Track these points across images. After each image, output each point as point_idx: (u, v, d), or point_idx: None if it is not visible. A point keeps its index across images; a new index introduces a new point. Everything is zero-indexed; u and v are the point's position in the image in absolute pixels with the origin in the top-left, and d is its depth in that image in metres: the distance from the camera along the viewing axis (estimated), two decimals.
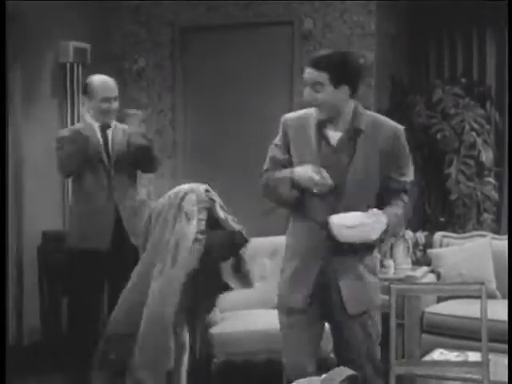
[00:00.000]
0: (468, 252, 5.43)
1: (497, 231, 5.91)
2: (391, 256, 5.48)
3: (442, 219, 5.99)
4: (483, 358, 3.54)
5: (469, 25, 6.33)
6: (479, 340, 4.65)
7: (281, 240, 3.63)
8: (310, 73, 3.19)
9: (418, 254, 5.54)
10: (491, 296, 5.19)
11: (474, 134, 5.94)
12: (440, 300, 5.37)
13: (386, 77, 6.29)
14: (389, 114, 6.09)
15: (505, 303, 4.83)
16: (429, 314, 5.15)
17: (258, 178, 3.39)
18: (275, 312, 3.42)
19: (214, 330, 4.79)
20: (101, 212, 4.60)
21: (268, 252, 5.31)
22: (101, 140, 4.70)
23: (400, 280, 5.20)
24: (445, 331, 5.03)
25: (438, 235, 5.68)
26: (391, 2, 6.25)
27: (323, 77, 3.15)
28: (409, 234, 5.53)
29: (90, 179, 4.65)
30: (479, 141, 5.94)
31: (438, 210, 6.06)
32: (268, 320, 4.48)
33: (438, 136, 5.90)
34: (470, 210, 5.94)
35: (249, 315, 5.01)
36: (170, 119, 6.79)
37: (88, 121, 4.73)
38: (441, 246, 5.64)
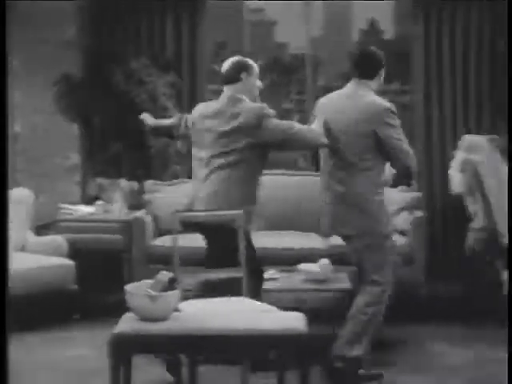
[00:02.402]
0: (176, 195, 6.54)
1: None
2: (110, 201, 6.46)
3: (141, 172, 7.01)
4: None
5: (153, 6, 7.39)
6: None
7: None
8: None
9: (134, 199, 6.57)
10: None
11: (164, 98, 7.05)
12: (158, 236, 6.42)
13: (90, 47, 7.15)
14: (88, 82, 7.03)
15: None
16: (153, 247, 6.20)
17: None
18: None
19: None
20: None
21: None
22: None
23: (126, 222, 6.21)
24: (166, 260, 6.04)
25: (148, 183, 6.73)
26: None
27: None
28: (123, 182, 6.54)
29: None
30: (169, 104, 7.07)
31: (136, 164, 7.06)
32: None
33: (137, 100, 6.91)
34: (164, 163, 7.06)
35: None
36: None
37: None
38: (151, 192, 6.69)
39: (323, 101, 5.01)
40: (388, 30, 11.41)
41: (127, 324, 3.82)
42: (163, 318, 3.83)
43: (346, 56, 11.05)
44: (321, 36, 8.86)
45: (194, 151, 4.84)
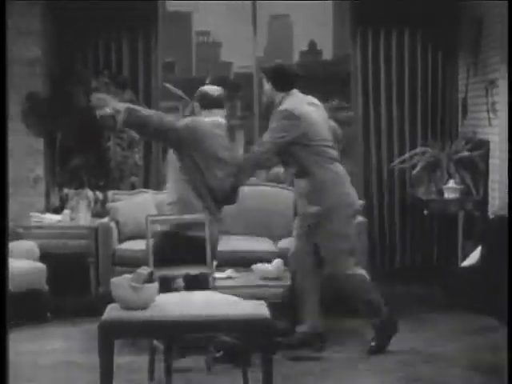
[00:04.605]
0: (137, 203, 7.04)
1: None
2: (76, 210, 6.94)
3: (101, 183, 7.49)
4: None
5: (110, 29, 7.90)
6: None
7: None
8: None
9: (99, 208, 7.06)
10: None
11: None
12: (121, 241, 6.89)
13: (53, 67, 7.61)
14: (50, 100, 7.47)
15: None
16: (119, 250, 6.71)
17: None
18: None
19: None
20: None
21: None
22: None
23: (92, 228, 6.70)
24: (131, 262, 6.46)
25: (110, 193, 7.22)
26: None
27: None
28: (89, 192, 7.03)
29: None
30: None
31: (96, 176, 7.54)
32: None
33: (97, 116, 7.38)
34: (123, 174, 7.56)
35: None
36: None
37: None
38: (113, 200, 7.17)
39: None
40: (327, 52, 12.10)
41: (112, 312, 4.32)
42: (144, 307, 4.33)
43: None
44: (263, 57, 9.51)
45: None
